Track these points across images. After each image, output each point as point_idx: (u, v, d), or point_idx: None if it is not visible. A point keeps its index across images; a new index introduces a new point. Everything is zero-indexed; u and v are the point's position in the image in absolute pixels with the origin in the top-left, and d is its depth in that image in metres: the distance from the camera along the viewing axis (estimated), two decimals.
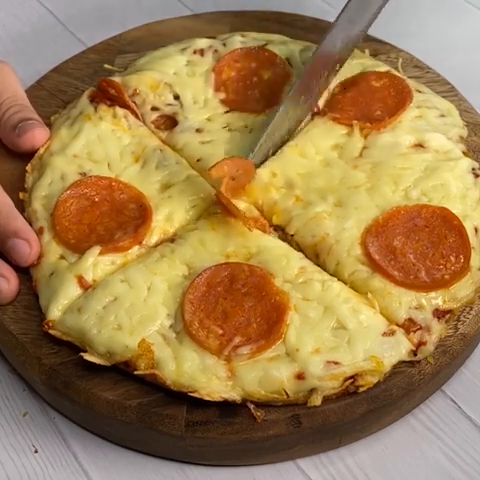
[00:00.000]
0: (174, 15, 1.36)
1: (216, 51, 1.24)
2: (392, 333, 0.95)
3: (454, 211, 1.03)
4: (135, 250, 1.04)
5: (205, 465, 0.96)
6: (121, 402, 0.94)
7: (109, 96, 1.18)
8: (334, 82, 1.18)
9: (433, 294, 0.98)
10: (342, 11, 1.15)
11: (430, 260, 1.00)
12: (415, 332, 0.96)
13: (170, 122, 1.18)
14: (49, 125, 1.17)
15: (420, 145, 1.11)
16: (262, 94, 1.20)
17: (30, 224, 1.06)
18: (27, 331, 1.00)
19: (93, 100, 1.18)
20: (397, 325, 0.96)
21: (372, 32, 1.22)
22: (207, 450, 0.94)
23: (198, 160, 1.12)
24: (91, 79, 1.24)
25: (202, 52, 1.24)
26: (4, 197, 1.08)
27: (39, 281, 1.03)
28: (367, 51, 1.25)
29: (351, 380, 0.93)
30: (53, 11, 1.49)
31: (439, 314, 0.98)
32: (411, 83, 1.18)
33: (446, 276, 0.99)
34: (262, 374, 0.92)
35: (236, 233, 1.03)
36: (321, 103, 1.16)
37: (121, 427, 0.95)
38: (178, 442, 0.93)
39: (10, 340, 1.00)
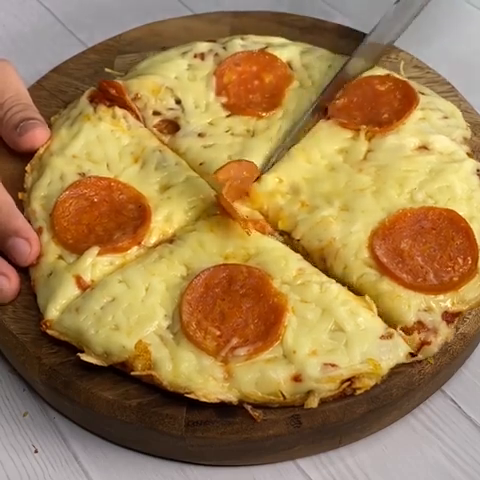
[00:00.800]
0: (174, 15, 1.36)
1: (217, 55, 1.24)
2: (390, 336, 0.95)
3: (460, 213, 1.03)
4: (134, 251, 1.04)
5: (205, 465, 0.96)
6: (121, 402, 0.94)
7: (109, 96, 1.17)
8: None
9: (442, 297, 0.98)
10: (373, 30, 1.16)
11: (438, 262, 1.00)
12: (420, 333, 0.96)
13: (172, 126, 1.18)
14: (49, 125, 1.17)
15: (424, 147, 1.11)
16: (263, 97, 1.20)
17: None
18: (27, 331, 1.00)
19: (93, 100, 1.18)
20: (406, 328, 0.96)
21: None
22: (207, 450, 0.94)
23: (201, 164, 1.12)
24: (91, 79, 1.24)
25: (203, 56, 1.24)
26: (5, 195, 1.08)
27: (37, 281, 1.03)
28: None
29: (348, 382, 0.93)
30: (53, 11, 1.49)
31: (448, 317, 0.97)
32: (414, 85, 1.18)
33: (454, 278, 0.99)
34: (259, 376, 0.92)
35: (235, 234, 1.03)
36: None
37: (121, 427, 0.95)
38: (178, 442, 0.93)
39: (10, 340, 1.00)
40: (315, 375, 0.92)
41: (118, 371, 0.95)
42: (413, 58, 1.25)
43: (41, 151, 1.14)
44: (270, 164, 1.10)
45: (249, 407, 0.92)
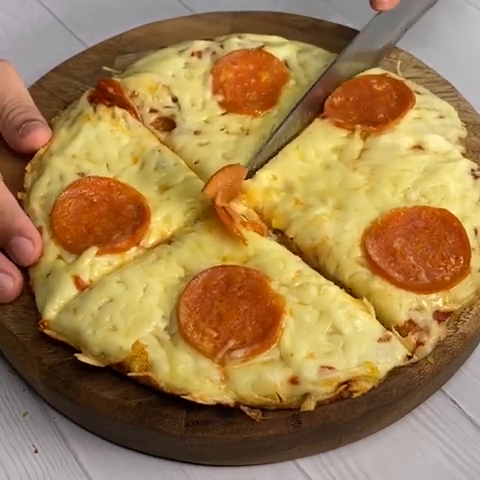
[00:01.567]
0: (174, 15, 1.36)
1: (214, 53, 1.24)
2: (387, 339, 0.95)
3: (453, 212, 1.03)
4: (132, 251, 1.03)
5: (205, 465, 0.96)
6: (121, 402, 0.94)
7: (108, 96, 1.17)
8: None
9: (433, 296, 0.98)
10: (364, 29, 1.16)
11: (430, 262, 1.00)
12: (414, 333, 0.96)
13: (168, 124, 1.18)
14: (50, 125, 1.17)
15: (419, 147, 1.11)
16: (260, 96, 1.20)
17: None
18: (27, 331, 1.00)
19: (92, 100, 1.18)
20: (397, 327, 0.96)
21: None
22: (207, 450, 0.94)
23: (196, 162, 1.12)
24: (91, 79, 1.24)
25: (200, 54, 1.24)
26: (8, 195, 1.08)
27: (36, 281, 1.03)
28: None
29: (345, 385, 0.92)
30: (53, 11, 1.49)
31: (440, 316, 0.97)
32: (410, 84, 1.18)
33: (446, 278, 0.99)
34: (256, 378, 0.92)
35: (233, 237, 1.03)
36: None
37: (121, 427, 0.95)
38: (178, 442, 0.93)
39: (10, 340, 1.00)
40: (312, 378, 0.92)
41: (117, 371, 0.95)
42: (413, 58, 1.25)
43: (41, 151, 1.14)
44: (259, 160, 1.10)
45: (246, 409, 0.91)
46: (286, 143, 1.12)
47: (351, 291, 1.00)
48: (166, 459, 0.97)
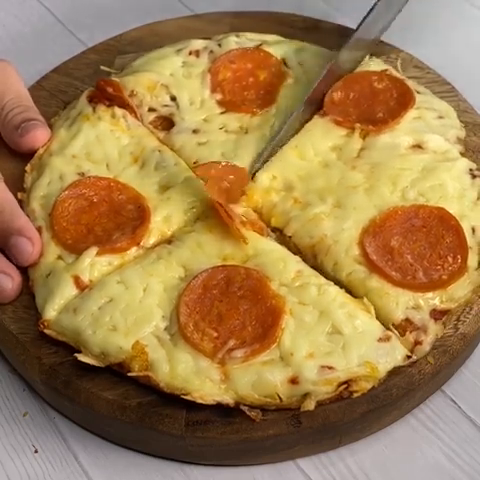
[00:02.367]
0: (174, 15, 1.36)
1: (212, 52, 1.24)
2: (387, 339, 0.95)
3: (451, 211, 1.03)
4: (133, 251, 1.03)
5: (205, 465, 0.96)
6: (121, 402, 0.94)
7: (107, 96, 1.18)
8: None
9: (430, 294, 0.98)
10: (361, 22, 1.16)
11: (427, 260, 1.00)
12: (411, 332, 0.96)
13: (167, 123, 1.18)
14: (50, 126, 1.17)
15: (418, 146, 1.11)
16: (258, 94, 1.20)
17: None
18: (27, 331, 1.00)
19: (92, 100, 1.18)
20: (393, 325, 0.96)
21: None
22: (207, 450, 0.94)
23: (195, 162, 1.12)
24: (91, 79, 1.24)
25: (198, 53, 1.24)
26: (8, 194, 1.08)
27: (36, 281, 1.03)
28: None
29: (345, 385, 0.92)
30: (53, 11, 1.49)
31: (436, 315, 0.98)
32: (411, 84, 1.18)
33: (443, 276, 0.99)
34: (256, 378, 0.92)
35: (233, 236, 1.03)
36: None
37: (121, 427, 0.95)
38: (178, 442, 0.93)
39: (10, 340, 1.00)
40: (312, 378, 0.92)
41: (117, 371, 0.95)
42: (413, 58, 1.25)
43: (41, 151, 1.14)
44: (261, 161, 1.10)
45: (246, 408, 0.91)
46: (286, 141, 1.12)
47: (348, 289, 1.00)
48: (166, 459, 0.97)
